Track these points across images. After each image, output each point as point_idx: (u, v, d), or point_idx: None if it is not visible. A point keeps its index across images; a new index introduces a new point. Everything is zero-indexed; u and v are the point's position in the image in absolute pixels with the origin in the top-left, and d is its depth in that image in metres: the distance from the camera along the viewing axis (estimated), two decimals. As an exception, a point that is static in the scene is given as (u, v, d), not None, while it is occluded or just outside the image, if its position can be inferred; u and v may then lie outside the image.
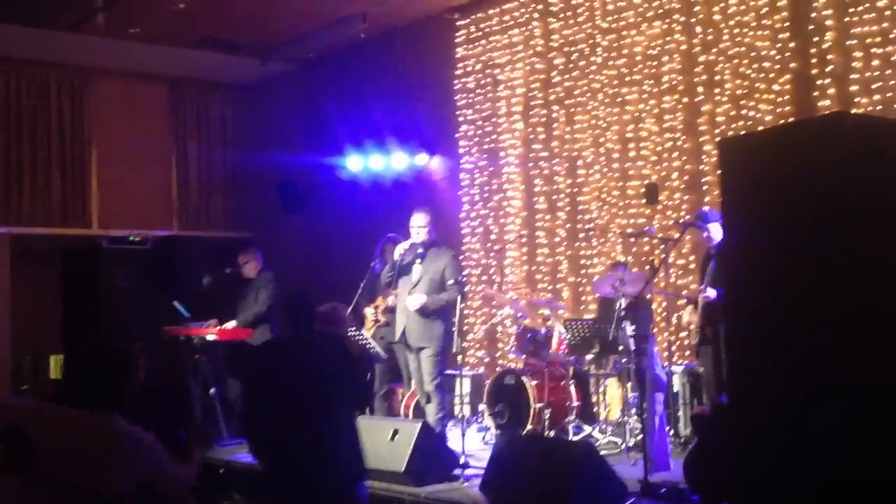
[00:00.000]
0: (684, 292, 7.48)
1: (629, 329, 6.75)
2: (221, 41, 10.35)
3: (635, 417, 6.93)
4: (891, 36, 6.64)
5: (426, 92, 9.96)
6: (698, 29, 7.82)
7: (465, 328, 8.92)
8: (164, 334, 8.64)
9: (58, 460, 3.17)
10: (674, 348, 7.60)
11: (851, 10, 6.84)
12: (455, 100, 9.84)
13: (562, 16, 8.90)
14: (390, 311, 7.57)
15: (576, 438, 7.18)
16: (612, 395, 7.65)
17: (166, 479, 3.31)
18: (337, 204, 10.52)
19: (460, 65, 9.82)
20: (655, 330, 7.60)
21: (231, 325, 8.38)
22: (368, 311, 8.04)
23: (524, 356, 7.90)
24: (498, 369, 8.40)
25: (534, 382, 7.39)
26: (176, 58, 10.94)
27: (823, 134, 3.79)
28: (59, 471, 3.16)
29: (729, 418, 4.22)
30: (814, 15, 7.06)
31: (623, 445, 6.98)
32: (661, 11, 8.09)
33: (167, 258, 10.96)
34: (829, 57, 6.96)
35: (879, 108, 6.63)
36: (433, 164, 9.86)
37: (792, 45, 7.19)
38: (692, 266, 7.64)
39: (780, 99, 7.24)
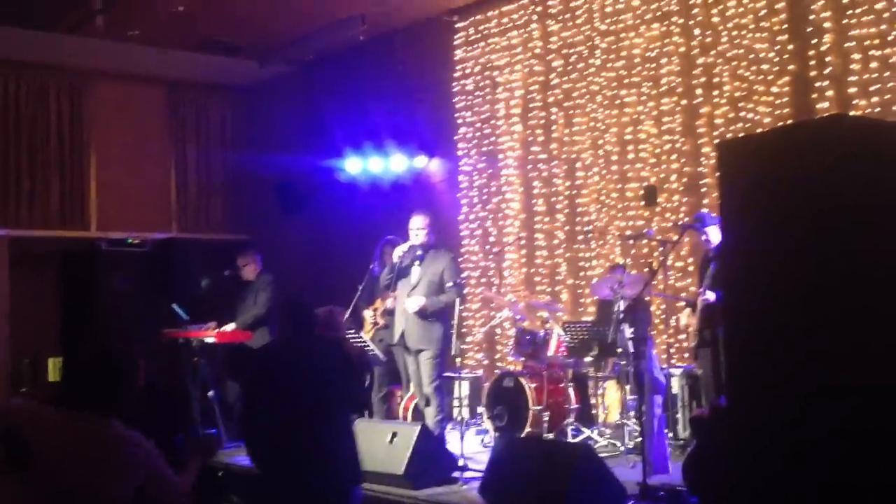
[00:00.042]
0: (683, 295, 7.48)
1: (628, 331, 6.75)
2: (220, 43, 10.35)
3: (634, 420, 6.93)
4: (889, 38, 6.64)
5: (425, 94, 9.97)
6: (697, 31, 7.82)
7: (464, 330, 8.92)
8: (163, 337, 8.63)
9: (56, 463, 3.17)
10: (672, 351, 7.60)
11: (850, 12, 6.84)
12: (454, 102, 9.84)
13: (560, 18, 8.90)
14: (389, 313, 7.56)
15: (575, 441, 7.17)
16: (611, 398, 7.65)
17: (163, 485, 3.30)
18: (336, 206, 10.52)
19: (459, 67, 9.82)
20: (654, 332, 7.60)
21: (230, 327, 8.37)
22: (367, 314, 8.04)
23: (523, 358, 7.89)
24: (497, 372, 8.40)
25: (533, 385, 7.39)
26: (175, 60, 10.93)
27: (822, 136, 3.79)
28: (58, 473, 3.16)
29: (727, 421, 4.21)
30: (812, 17, 7.06)
31: (622, 448, 6.98)
32: (659, 14, 8.10)
33: (166, 261, 10.95)
34: (827, 59, 6.96)
35: (878, 110, 6.63)
36: (432, 166, 9.87)
37: (790, 47, 7.19)
38: (691, 268, 7.64)
39: (778, 101, 7.24)
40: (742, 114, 7.46)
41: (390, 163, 9.87)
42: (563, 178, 8.84)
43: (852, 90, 6.80)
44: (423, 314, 6.86)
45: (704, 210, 7.17)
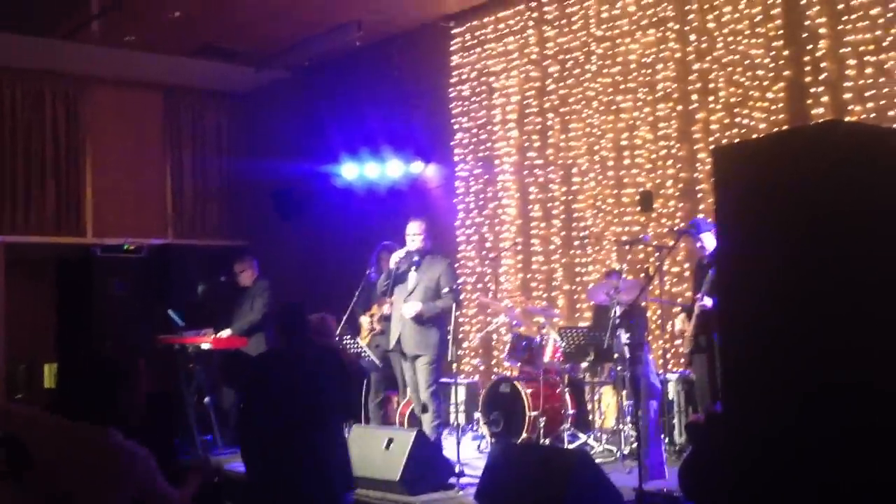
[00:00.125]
0: (679, 300, 7.49)
1: (624, 337, 6.74)
2: (216, 49, 10.36)
3: (630, 425, 6.93)
4: (884, 44, 6.65)
5: (421, 100, 9.98)
6: (692, 37, 7.84)
7: (461, 336, 8.92)
8: (159, 343, 8.61)
9: (54, 468, 3.16)
10: (668, 356, 7.61)
11: (845, 17, 6.86)
12: (450, 108, 9.85)
13: (556, 24, 8.92)
14: (386, 319, 7.56)
15: (571, 446, 7.17)
16: (608, 403, 7.65)
17: (156, 497, 3.29)
18: (332, 212, 10.52)
19: (455, 73, 9.84)
20: (650, 338, 7.60)
21: (226, 333, 8.35)
22: (364, 320, 8.04)
23: (519, 364, 7.89)
24: (493, 377, 8.39)
25: (529, 390, 7.39)
26: (171, 66, 10.93)
27: (817, 142, 3.80)
28: (56, 478, 3.15)
29: (723, 426, 4.21)
30: (807, 23, 7.08)
31: (618, 453, 6.98)
32: (655, 20, 8.11)
33: (162, 267, 10.92)
34: (822, 65, 6.98)
35: (873, 115, 6.64)
36: (428, 171, 9.87)
37: (786, 53, 7.21)
38: (687, 274, 7.64)
39: (773, 107, 7.26)
40: (737, 119, 7.48)
41: (387, 168, 9.88)
42: (559, 184, 8.85)
43: (847, 96, 6.81)
44: (419, 320, 6.85)
45: (700, 216, 7.18)
